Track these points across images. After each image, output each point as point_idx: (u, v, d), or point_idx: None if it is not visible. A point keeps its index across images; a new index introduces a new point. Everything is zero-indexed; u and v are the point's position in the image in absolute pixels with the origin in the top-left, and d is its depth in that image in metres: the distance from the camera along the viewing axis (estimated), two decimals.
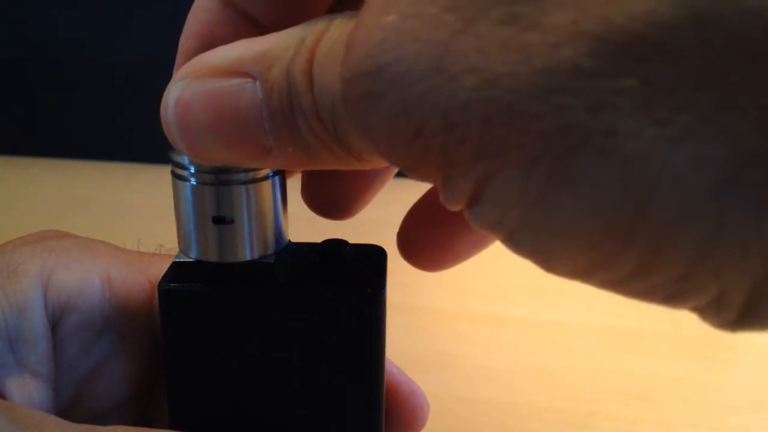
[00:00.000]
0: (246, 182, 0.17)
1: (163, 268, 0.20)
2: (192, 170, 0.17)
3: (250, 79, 0.14)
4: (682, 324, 0.41)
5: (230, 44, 0.15)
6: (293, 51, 0.14)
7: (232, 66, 0.15)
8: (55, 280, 0.19)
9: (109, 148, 0.71)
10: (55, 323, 0.19)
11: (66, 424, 0.16)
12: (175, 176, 0.18)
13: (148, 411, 0.22)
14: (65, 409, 0.20)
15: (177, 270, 0.19)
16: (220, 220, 0.18)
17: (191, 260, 0.18)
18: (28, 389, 0.18)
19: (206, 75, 0.15)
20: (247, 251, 0.18)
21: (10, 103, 0.73)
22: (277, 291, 0.18)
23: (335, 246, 0.19)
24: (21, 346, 0.18)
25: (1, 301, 0.18)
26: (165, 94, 0.15)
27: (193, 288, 0.18)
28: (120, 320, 0.20)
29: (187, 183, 0.18)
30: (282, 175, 0.19)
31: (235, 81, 0.14)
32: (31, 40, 0.71)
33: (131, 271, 0.20)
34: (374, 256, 0.20)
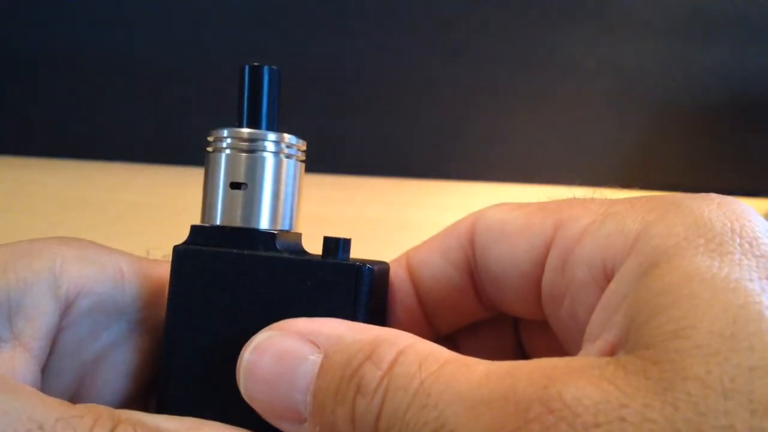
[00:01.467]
0: (267, 153, 0.20)
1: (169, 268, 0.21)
2: (221, 143, 0.20)
3: (317, 353, 0.17)
4: None
5: (321, 318, 0.18)
6: (361, 357, 0.16)
7: (311, 335, 0.17)
8: (71, 264, 0.20)
9: (109, 148, 0.71)
10: (69, 304, 0.20)
11: (40, 394, 0.17)
12: (207, 150, 0.20)
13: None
14: (64, 397, 0.20)
15: (193, 233, 0.20)
16: (236, 186, 0.20)
17: (207, 226, 0.20)
18: (13, 362, 0.18)
19: (290, 334, 0.17)
20: (257, 218, 0.20)
21: (9, 103, 0.73)
22: (271, 255, 0.20)
23: (337, 238, 0.20)
24: (19, 320, 0.19)
25: (9, 276, 0.19)
26: (254, 336, 0.18)
27: (201, 248, 0.20)
28: (131, 310, 0.21)
29: (211, 153, 0.20)
30: (302, 163, 0.21)
31: (307, 348, 0.17)
32: (31, 40, 0.71)
33: (143, 268, 0.21)
34: (378, 263, 0.21)
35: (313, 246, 0.21)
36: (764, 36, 0.58)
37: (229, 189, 0.20)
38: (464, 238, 0.21)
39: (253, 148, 0.20)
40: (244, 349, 0.18)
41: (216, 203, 0.20)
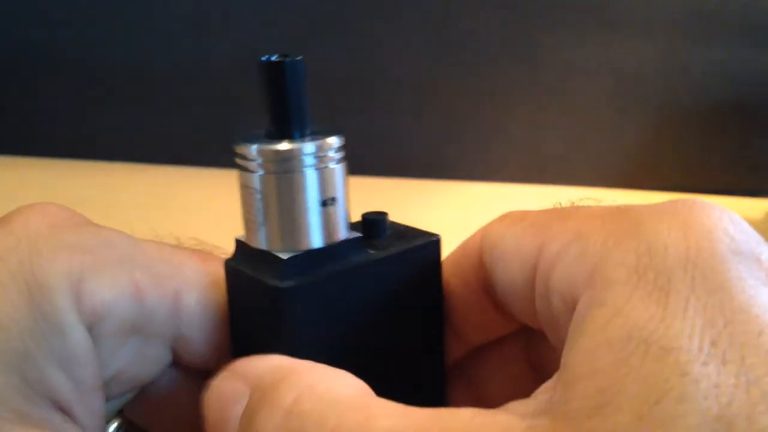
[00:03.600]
0: (340, 162, 0.19)
1: (188, 273, 0.20)
2: (300, 160, 0.18)
3: None
4: None
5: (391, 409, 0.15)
6: None
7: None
8: (86, 288, 0.18)
9: (109, 148, 0.71)
10: (89, 327, 0.19)
11: None
12: (274, 172, 0.18)
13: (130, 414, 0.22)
14: None
15: (288, 265, 0.18)
16: (326, 203, 0.19)
17: (302, 252, 0.18)
18: (92, 407, 0.18)
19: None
20: (344, 230, 0.19)
21: (9, 103, 0.73)
22: (377, 258, 0.19)
23: (375, 215, 0.20)
24: (73, 366, 0.18)
25: (39, 324, 0.17)
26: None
27: (310, 280, 0.18)
28: (148, 328, 0.20)
29: (287, 174, 0.18)
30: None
31: None
32: (31, 40, 0.71)
33: (158, 277, 0.20)
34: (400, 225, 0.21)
35: None
36: (764, 36, 0.58)
37: (321, 207, 0.18)
38: (474, 256, 0.20)
39: (332, 159, 0.18)
40: None
41: (310, 225, 0.18)
